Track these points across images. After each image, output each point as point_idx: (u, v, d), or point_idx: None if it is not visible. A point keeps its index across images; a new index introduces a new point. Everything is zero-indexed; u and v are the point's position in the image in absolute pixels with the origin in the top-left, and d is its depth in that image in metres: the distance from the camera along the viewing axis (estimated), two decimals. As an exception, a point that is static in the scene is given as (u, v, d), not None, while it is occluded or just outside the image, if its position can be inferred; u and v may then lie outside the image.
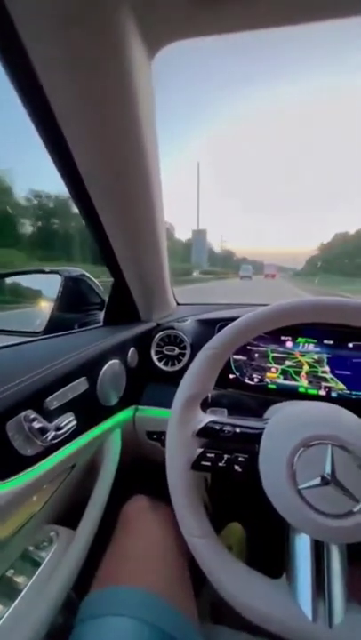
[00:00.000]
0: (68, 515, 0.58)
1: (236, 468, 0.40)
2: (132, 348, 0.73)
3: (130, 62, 0.36)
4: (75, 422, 0.51)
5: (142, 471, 0.49)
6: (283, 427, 0.38)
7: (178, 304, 1.01)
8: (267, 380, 0.74)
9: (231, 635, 0.48)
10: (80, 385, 0.54)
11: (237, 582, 0.37)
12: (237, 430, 0.42)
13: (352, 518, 0.32)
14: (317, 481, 0.33)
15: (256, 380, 0.75)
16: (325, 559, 0.36)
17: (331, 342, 0.70)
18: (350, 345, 0.68)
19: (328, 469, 0.33)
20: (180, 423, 0.43)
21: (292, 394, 0.72)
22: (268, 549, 0.50)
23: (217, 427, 0.43)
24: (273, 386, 0.74)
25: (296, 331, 0.72)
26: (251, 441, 0.40)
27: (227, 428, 0.42)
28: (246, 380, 0.75)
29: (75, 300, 0.85)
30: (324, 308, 0.40)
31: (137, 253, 0.64)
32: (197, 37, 0.35)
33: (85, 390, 0.55)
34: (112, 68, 0.36)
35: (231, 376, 0.76)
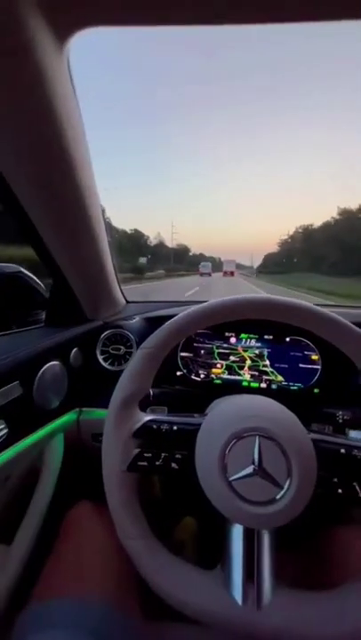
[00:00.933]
0: (4, 530, 0.54)
1: (174, 465, 0.40)
2: (75, 349, 0.70)
3: (39, 54, 0.34)
4: (5, 431, 0.48)
5: (88, 476, 0.48)
6: (216, 421, 0.39)
7: (127, 302, 0.99)
8: (213, 375, 0.76)
9: (178, 629, 0.48)
10: (12, 390, 0.51)
11: (171, 579, 0.38)
12: (175, 428, 0.42)
13: (276, 504, 0.34)
14: (246, 471, 0.35)
15: (203, 375, 0.76)
16: (256, 546, 0.38)
17: (270, 337, 0.74)
18: (288, 339, 0.73)
19: (256, 460, 0.35)
20: (117, 424, 0.42)
21: (236, 388, 0.74)
22: (214, 542, 0.52)
23: (154, 425, 0.43)
24: (218, 381, 0.76)
25: (239, 327, 0.75)
26: (189, 437, 0.41)
27: (164, 427, 0.42)
28: (193, 377, 0.76)
29: (10, 299, 0.79)
30: (253, 306, 0.42)
31: (74, 251, 0.61)
32: (109, 26, 0.33)
33: (19, 395, 0.52)
34: (19, 61, 0.34)
35: (178, 373, 0.77)
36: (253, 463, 0.35)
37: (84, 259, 0.64)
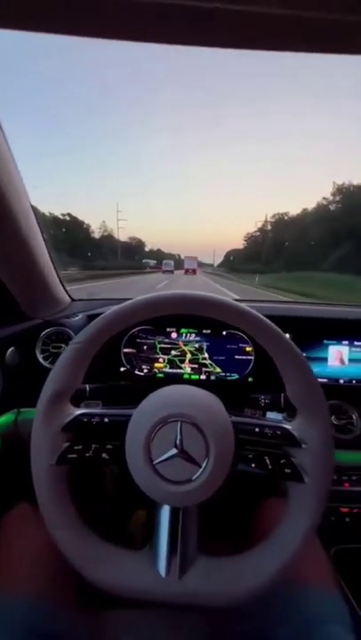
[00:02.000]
0: None
1: (104, 455, 0.42)
2: (11, 348, 0.68)
3: None
4: None
5: (28, 477, 0.47)
6: (144, 411, 0.42)
7: (73, 300, 0.98)
8: (155, 370, 0.78)
9: (113, 615, 0.50)
10: None
11: (99, 563, 0.39)
12: (106, 420, 0.44)
13: (195, 482, 0.37)
14: (169, 454, 0.38)
15: (145, 370, 0.78)
16: (181, 523, 0.41)
17: (209, 331, 0.78)
18: (224, 333, 0.78)
19: (177, 443, 0.38)
20: (45, 420, 0.42)
21: (177, 381, 0.77)
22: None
23: (85, 419, 0.44)
24: (161, 375, 0.78)
25: (180, 322, 0.79)
26: (120, 428, 0.42)
27: (95, 420, 0.44)
28: (136, 372, 0.78)
29: None
30: (175, 302, 0.44)
31: (3, 249, 0.59)
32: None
33: None
34: None
35: (122, 369, 0.78)
36: (176, 446, 0.38)
37: (14, 256, 0.62)
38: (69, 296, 0.96)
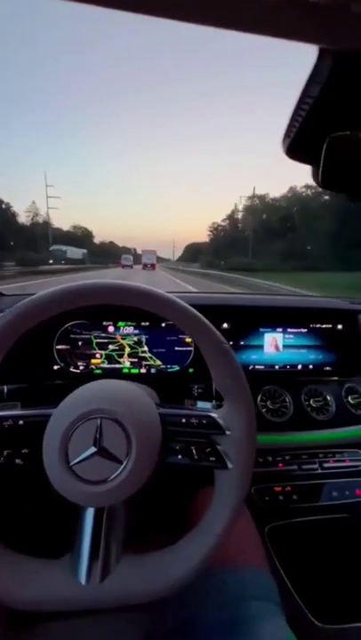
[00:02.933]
0: None
1: (18, 461, 0.38)
2: None
3: None
4: None
5: None
6: (63, 409, 0.39)
7: (2, 295, 0.89)
8: (92, 366, 0.75)
9: (51, 628, 0.47)
10: None
11: (10, 580, 0.36)
12: (21, 422, 0.40)
13: (116, 479, 0.35)
14: (87, 453, 0.35)
15: (82, 367, 0.74)
16: (105, 522, 0.39)
17: (147, 324, 0.76)
18: (163, 325, 0.76)
19: (96, 441, 0.35)
20: None
21: (116, 376, 0.75)
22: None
23: None
24: (99, 371, 0.75)
25: (117, 315, 0.76)
26: (37, 430, 0.39)
27: (7, 423, 0.40)
28: (72, 369, 0.74)
29: None
30: (104, 291, 0.41)
31: None
32: None
33: None
34: None
35: (56, 367, 0.73)
36: (95, 444, 0.35)
37: None
38: None
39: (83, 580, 0.36)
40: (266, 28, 0.25)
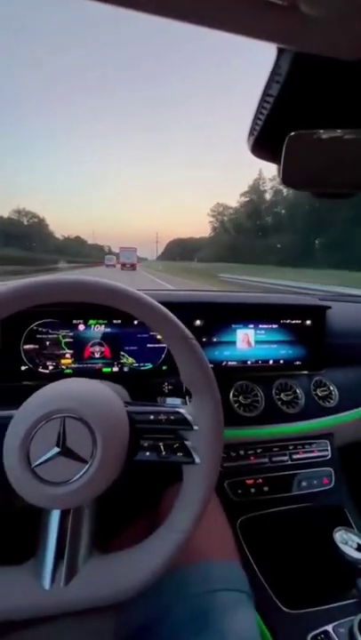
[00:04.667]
0: None
1: None
2: None
3: None
4: None
5: None
6: (25, 409, 0.37)
7: None
8: (62, 366, 0.72)
9: (18, 638, 0.45)
10: None
11: None
12: None
13: (81, 479, 0.34)
14: (49, 454, 0.34)
15: (51, 367, 0.72)
16: (71, 524, 0.38)
17: (119, 321, 0.75)
18: (135, 322, 0.75)
19: (59, 441, 0.34)
20: None
21: (88, 376, 0.73)
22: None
23: None
24: (69, 371, 0.73)
25: (87, 313, 0.74)
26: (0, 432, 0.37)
27: None
28: (41, 370, 0.71)
29: None
30: (68, 288, 0.39)
31: None
32: None
33: None
34: None
35: (23, 368, 0.70)
36: (58, 445, 0.34)
37: None
38: None
39: (47, 584, 0.35)
40: (225, 24, 0.25)
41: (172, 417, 0.41)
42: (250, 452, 0.73)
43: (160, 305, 0.41)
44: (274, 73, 0.30)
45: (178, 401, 0.57)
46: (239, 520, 0.66)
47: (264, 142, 0.37)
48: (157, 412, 0.41)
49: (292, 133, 0.33)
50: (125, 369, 0.76)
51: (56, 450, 0.34)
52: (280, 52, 0.28)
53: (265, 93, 0.32)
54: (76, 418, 0.35)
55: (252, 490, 0.70)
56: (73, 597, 0.35)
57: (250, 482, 0.71)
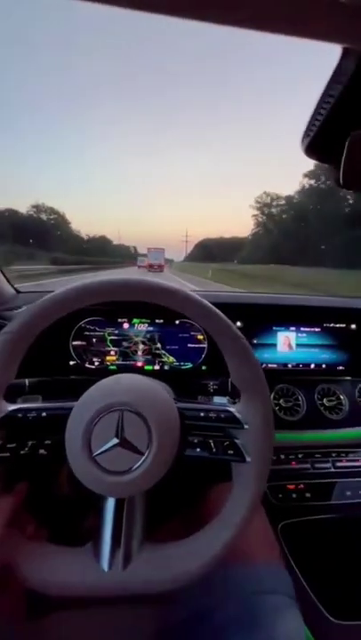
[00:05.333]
0: None
1: (42, 451, 0.40)
2: None
3: None
4: None
5: None
6: (85, 402, 0.40)
7: (18, 292, 0.92)
8: (107, 362, 0.76)
9: (63, 618, 0.48)
10: None
11: (37, 563, 0.37)
12: (44, 414, 0.41)
13: (137, 470, 0.36)
14: (109, 444, 0.36)
15: (97, 363, 0.76)
16: (126, 513, 0.40)
17: (161, 321, 0.77)
18: (177, 322, 0.77)
19: (118, 432, 0.36)
20: None
21: (130, 372, 0.76)
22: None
23: (20, 414, 0.41)
24: (113, 367, 0.76)
25: (132, 312, 0.77)
26: (59, 422, 0.40)
27: (32, 415, 0.41)
28: (87, 365, 0.75)
29: None
30: (124, 287, 0.42)
31: None
32: None
33: None
34: None
35: (72, 363, 0.75)
36: (117, 436, 0.36)
37: None
38: (14, 288, 0.89)
39: (106, 567, 0.37)
40: (290, 28, 0.26)
41: (221, 415, 0.42)
42: (291, 457, 0.72)
43: (211, 305, 0.42)
44: (337, 73, 0.30)
45: (224, 400, 0.58)
46: (280, 524, 0.65)
47: (321, 143, 0.37)
48: (207, 410, 0.43)
49: (357, 133, 0.33)
50: (166, 367, 0.78)
51: (115, 441, 0.36)
52: (345, 52, 0.28)
53: (325, 94, 0.32)
54: (133, 411, 0.37)
55: (294, 495, 0.69)
56: (130, 581, 0.37)
57: (291, 487, 0.69)
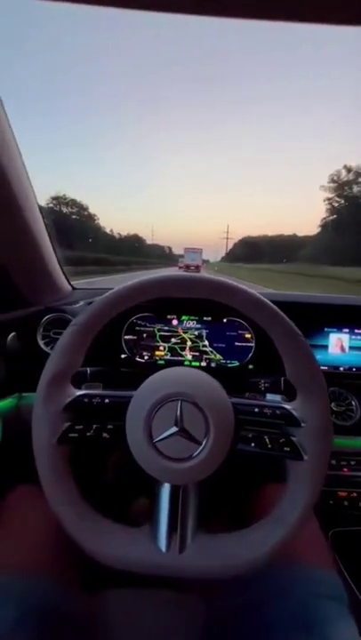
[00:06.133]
0: None
1: (105, 435, 0.42)
2: (12, 333, 0.68)
3: None
4: None
5: (29, 460, 0.48)
6: (144, 392, 0.42)
7: (74, 288, 0.98)
8: (156, 357, 0.79)
9: (116, 594, 0.51)
10: None
11: (101, 538, 0.40)
12: (107, 401, 0.44)
13: (195, 459, 0.38)
14: (169, 432, 0.38)
15: (146, 357, 0.79)
16: (181, 500, 0.41)
17: (209, 318, 0.78)
18: (225, 320, 0.78)
19: (177, 421, 0.38)
20: (46, 400, 0.43)
21: None
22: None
23: (86, 399, 0.44)
24: (162, 362, 0.79)
25: (181, 309, 0.79)
26: (120, 409, 0.43)
27: (96, 400, 0.44)
28: (137, 359, 0.79)
29: None
30: (179, 284, 0.44)
31: (8, 235, 0.59)
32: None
33: None
34: None
35: (123, 355, 0.79)
36: (175, 424, 0.38)
37: (18, 244, 0.62)
38: (70, 284, 0.96)
39: (163, 548, 0.39)
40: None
41: (277, 412, 0.42)
42: (343, 463, 0.69)
43: (269, 302, 0.42)
44: None
45: (278, 397, 0.57)
46: (331, 531, 0.63)
47: None
48: (262, 406, 0.43)
49: None
50: (213, 365, 0.79)
51: (174, 429, 0.38)
52: None
53: None
54: (191, 402, 0.38)
55: (345, 503, 0.66)
56: (185, 565, 0.38)
57: (343, 494, 0.66)
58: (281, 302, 0.81)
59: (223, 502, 0.63)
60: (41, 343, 0.75)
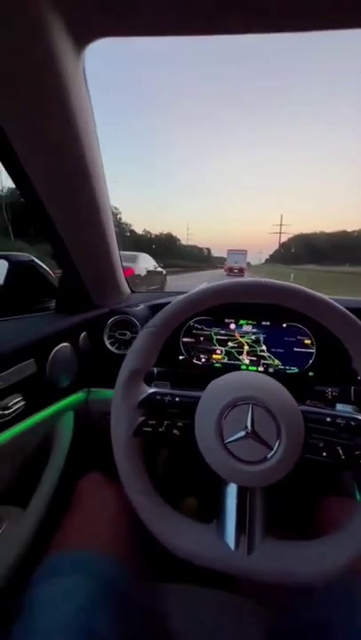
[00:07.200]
0: (20, 495, 0.59)
1: (175, 432, 0.45)
2: (83, 333, 0.74)
3: (58, 57, 0.39)
4: (22, 404, 0.53)
5: (97, 450, 0.53)
6: (214, 393, 0.44)
7: (132, 292, 1.04)
8: (213, 360, 0.80)
9: (180, 588, 0.53)
10: (28, 367, 0.55)
11: (172, 529, 0.42)
12: (177, 399, 0.47)
13: (266, 462, 0.38)
14: (240, 434, 0.39)
15: (203, 360, 0.81)
16: (248, 502, 0.42)
17: (268, 323, 0.78)
18: (284, 325, 0.77)
19: (249, 424, 0.39)
20: (124, 395, 0.46)
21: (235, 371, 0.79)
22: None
23: (158, 397, 0.47)
24: (219, 365, 0.80)
25: (239, 313, 0.79)
26: (189, 408, 0.45)
27: (167, 398, 0.47)
28: (195, 361, 0.81)
29: (23, 286, 0.84)
30: (250, 289, 0.45)
31: (84, 240, 0.66)
32: (127, 36, 0.38)
33: (33, 372, 0.57)
34: (40, 63, 0.38)
35: (181, 357, 0.81)
36: (246, 427, 0.39)
37: (93, 249, 0.68)
38: (130, 287, 1.02)
39: (232, 546, 0.40)
40: None
41: (351, 423, 0.41)
42: None
43: (341, 307, 0.42)
44: None
45: (348, 408, 0.55)
46: None
47: None
48: (334, 416, 0.42)
49: None
50: (270, 370, 0.78)
51: (246, 432, 0.39)
52: None
53: None
54: (262, 406, 0.39)
55: None
56: (256, 566, 0.39)
57: None
58: (354, 309, 0.78)
59: (285, 511, 0.62)
60: (107, 343, 0.81)
